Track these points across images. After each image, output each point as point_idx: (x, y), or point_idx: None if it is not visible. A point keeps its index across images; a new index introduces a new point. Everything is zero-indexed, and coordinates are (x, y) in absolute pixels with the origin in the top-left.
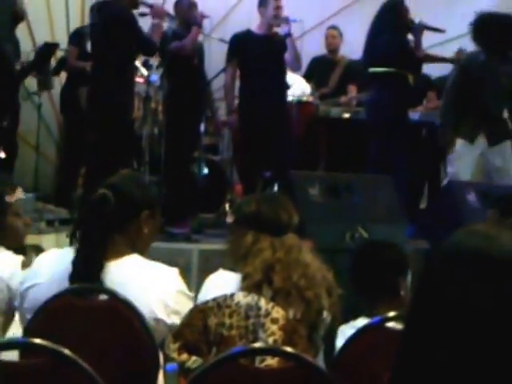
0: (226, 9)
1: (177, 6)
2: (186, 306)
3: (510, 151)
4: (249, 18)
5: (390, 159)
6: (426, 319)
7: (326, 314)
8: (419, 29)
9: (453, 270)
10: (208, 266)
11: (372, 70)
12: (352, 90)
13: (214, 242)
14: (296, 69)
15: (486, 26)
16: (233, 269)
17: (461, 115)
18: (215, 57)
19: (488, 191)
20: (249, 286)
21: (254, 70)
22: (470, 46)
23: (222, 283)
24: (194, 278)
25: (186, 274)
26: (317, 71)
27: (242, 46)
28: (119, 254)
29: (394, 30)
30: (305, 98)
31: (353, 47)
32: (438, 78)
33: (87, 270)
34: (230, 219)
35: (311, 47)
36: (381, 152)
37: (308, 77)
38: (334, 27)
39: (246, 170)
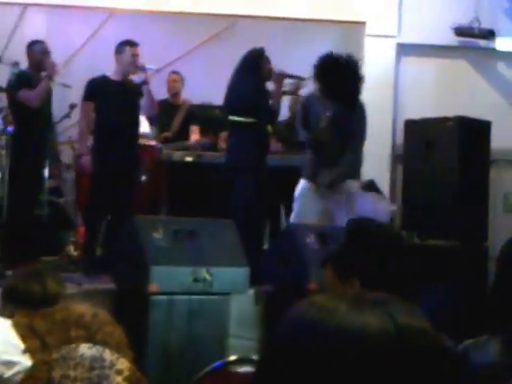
0: (68, 54)
1: (29, 49)
2: (14, 356)
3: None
4: (90, 64)
5: (253, 203)
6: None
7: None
8: (279, 78)
9: (297, 340)
10: None
11: (231, 118)
12: (195, 132)
13: None
14: (151, 115)
15: (322, 69)
16: None
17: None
18: (57, 101)
19: (325, 232)
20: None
21: (109, 115)
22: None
23: None
24: None
25: None
26: (159, 115)
27: (98, 90)
28: None
29: (252, 80)
30: (146, 142)
31: (194, 91)
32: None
33: None
34: None
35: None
36: (243, 197)
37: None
38: (175, 72)
39: (91, 212)
